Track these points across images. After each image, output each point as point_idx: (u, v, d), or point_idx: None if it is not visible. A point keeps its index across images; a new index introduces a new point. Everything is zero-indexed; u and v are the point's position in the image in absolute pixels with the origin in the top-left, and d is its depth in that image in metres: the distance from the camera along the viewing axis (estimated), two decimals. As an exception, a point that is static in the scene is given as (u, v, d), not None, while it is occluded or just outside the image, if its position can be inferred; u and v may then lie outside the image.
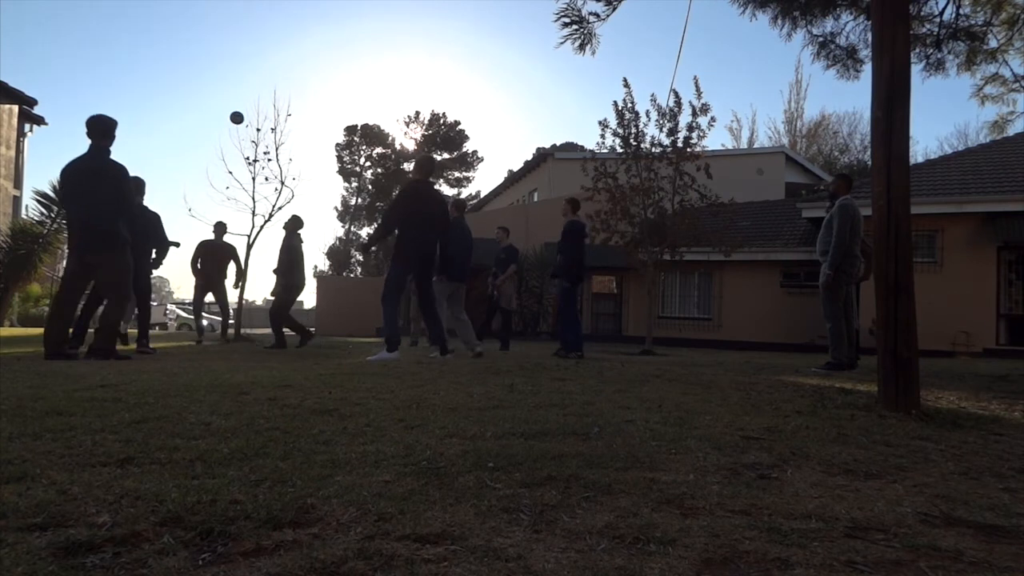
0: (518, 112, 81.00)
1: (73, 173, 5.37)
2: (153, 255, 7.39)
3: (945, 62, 7.19)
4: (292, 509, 1.50)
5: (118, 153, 5.57)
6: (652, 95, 12.74)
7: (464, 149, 47.99)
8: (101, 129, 5.42)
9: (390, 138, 48.23)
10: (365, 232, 46.22)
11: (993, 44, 7.31)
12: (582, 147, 23.50)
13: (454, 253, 7.20)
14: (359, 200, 48.02)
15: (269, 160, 10.70)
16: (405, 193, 6.16)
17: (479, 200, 37.76)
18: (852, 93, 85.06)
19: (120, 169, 5.45)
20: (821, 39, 7.41)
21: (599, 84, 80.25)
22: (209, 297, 9.71)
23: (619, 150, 12.67)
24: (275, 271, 8.60)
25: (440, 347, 6.03)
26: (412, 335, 10.16)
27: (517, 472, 1.88)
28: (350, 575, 1.19)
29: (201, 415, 2.65)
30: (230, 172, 11.29)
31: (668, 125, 12.45)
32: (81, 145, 5.45)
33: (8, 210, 15.17)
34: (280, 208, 11.10)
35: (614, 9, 5.99)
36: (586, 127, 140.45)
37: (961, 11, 7.00)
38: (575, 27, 5.96)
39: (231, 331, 10.01)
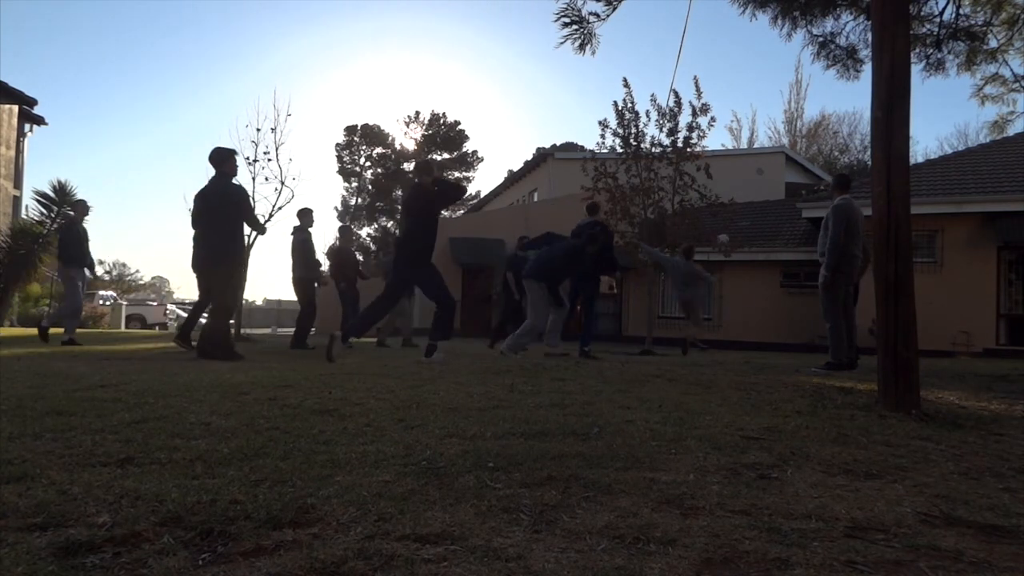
0: (518, 112, 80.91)
1: (195, 199, 6.12)
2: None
3: (945, 62, 7.19)
4: (292, 509, 1.50)
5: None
6: (652, 95, 12.78)
7: (464, 149, 47.95)
8: (216, 159, 6.05)
9: (390, 138, 48.16)
10: (366, 232, 46.19)
11: (993, 44, 7.30)
12: (582, 147, 23.49)
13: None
14: (359, 200, 47.99)
15: (269, 160, 10.73)
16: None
17: (479, 200, 37.75)
18: (852, 93, 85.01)
19: (231, 192, 5.97)
20: (821, 39, 7.40)
21: (599, 84, 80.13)
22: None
23: (619, 150, 12.69)
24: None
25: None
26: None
27: (517, 472, 1.88)
28: (350, 575, 1.19)
29: (201, 415, 2.65)
30: (230, 172, 11.25)
31: (668, 125, 12.47)
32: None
33: (8, 210, 15.17)
34: (280, 208, 11.11)
35: (614, 9, 5.98)
36: (586, 127, 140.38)
37: (961, 11, 7.00)
38: (575, 27, 5.95)
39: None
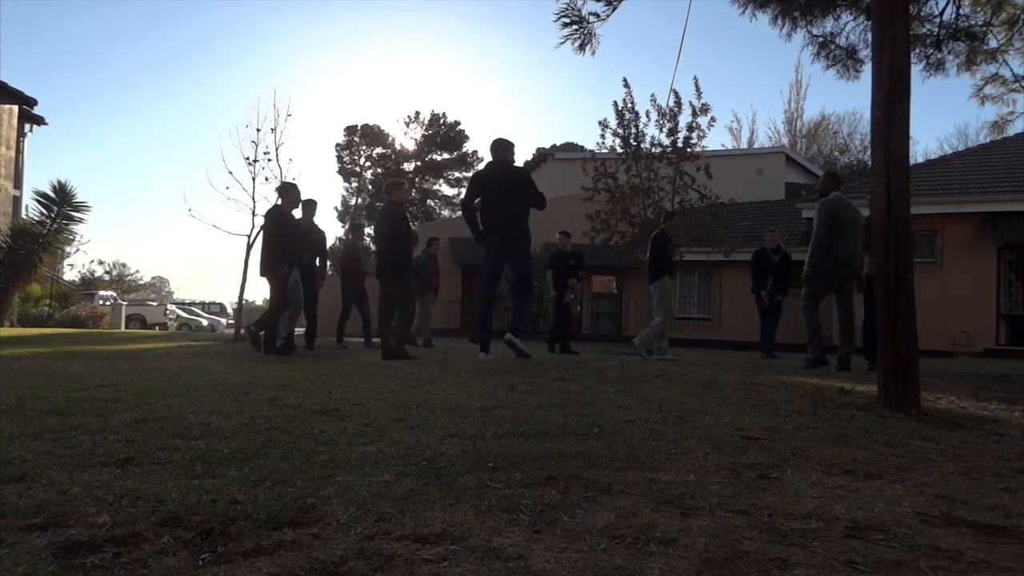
0: (518, 112, 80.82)
1: (376, 219, 7.23)
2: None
3: (945, 62, 7.19)
4: (292, 509, 1.50)
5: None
6: (652, 95, 12.78)
7: (464, 149, 47.99)
8: (387, 188, 7.16)
9: (390, 138, 48.21)
10: (367, 231, 46.25)
11: (993, 44, 7.30)
12: (582, 147, 23.46)
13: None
14: (359, 200, 47.98)
15: (269, 160, 10.70)
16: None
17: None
18: (852, 93, 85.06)
19: (394, 216, 6.79)
20: (821, 39, 7.41)
21: (599, 84, 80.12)
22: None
23: (619, 150, 12.70)
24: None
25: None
26: (420, 335, 9.77)
27: (517, 472, 1.88)
28: (350, 575, 1.19)
29: (201, 415, 2.65)
30: (230, 172, 11.21)
31: (668, 125, 12.48)
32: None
33: (8, 210, 15.15)
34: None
35: (614, 9, 5.98)
36: (586, 127, 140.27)
37: (961, 11, 7.00)
38: (575, 27, 5.95)
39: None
